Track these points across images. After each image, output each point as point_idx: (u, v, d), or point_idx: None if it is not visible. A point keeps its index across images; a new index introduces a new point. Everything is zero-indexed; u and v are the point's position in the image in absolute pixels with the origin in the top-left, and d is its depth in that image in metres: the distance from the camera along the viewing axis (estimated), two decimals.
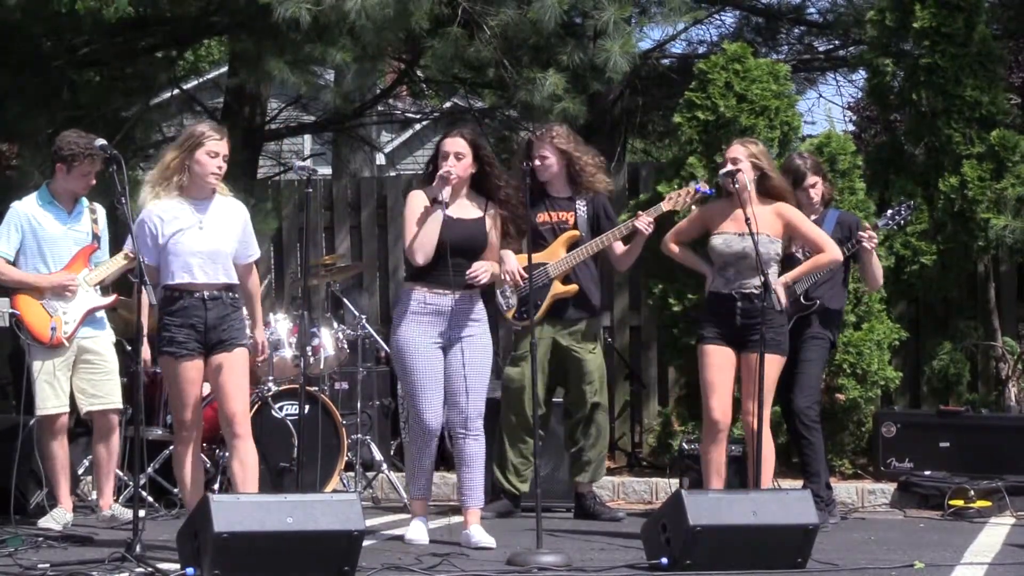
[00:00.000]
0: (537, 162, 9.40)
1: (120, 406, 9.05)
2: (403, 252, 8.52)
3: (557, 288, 9.46)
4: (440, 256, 8.14)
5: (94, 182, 8.97)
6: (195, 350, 7.81)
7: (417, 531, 8.31)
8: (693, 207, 9.53)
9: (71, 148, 8.80)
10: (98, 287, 8.97)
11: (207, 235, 7.83)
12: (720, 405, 8.47)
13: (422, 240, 8.12)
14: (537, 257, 9.15)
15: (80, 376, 8.89)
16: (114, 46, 12.62)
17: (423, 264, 8.14)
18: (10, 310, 9.27)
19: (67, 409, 8.91)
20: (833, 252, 8.76)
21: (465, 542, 8.15)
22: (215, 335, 7.82)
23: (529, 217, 9.02)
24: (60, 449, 8.95)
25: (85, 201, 8.99)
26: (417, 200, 8.23)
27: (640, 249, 9.53)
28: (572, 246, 9.48)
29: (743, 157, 8.58)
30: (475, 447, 8.31)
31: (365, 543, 7.20)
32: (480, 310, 8.32)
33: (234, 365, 7.86)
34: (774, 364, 8.50)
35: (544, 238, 9.46)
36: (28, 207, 8.92)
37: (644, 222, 9.33)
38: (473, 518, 8.29)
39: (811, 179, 9.27)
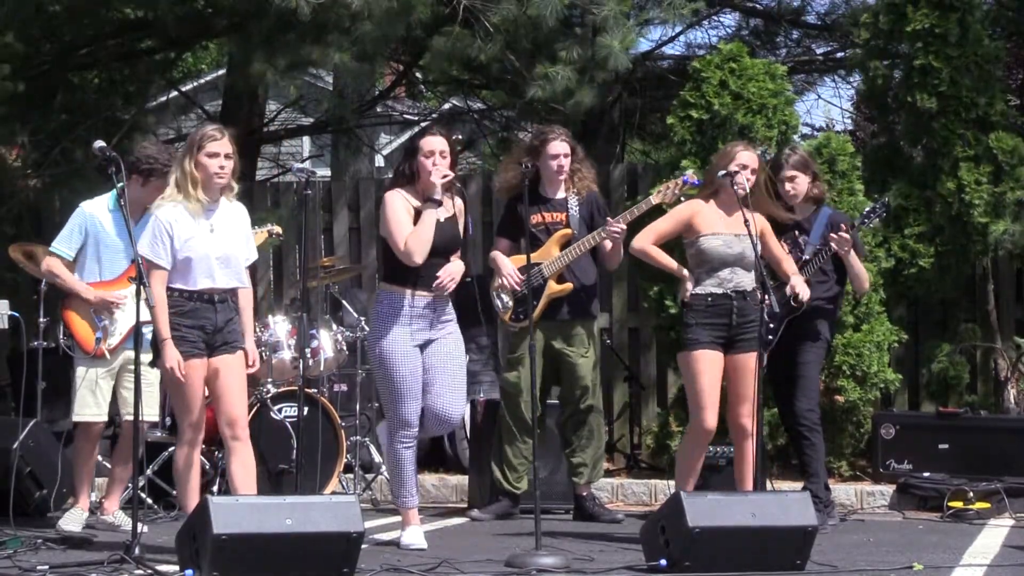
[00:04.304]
0: (563, 160, 9.41)
1: (155, 419, 9.11)
2: (379, 254, 8.48)
3: (552, 287, 9.44)
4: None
5: None
6: (202, 351, 7.84)
7: (415, 536, 8.27)
8: (682, 198, 9.46)
9: (150, 163, 8.72)
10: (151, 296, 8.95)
11: (219, 239, 7.85)
12: (715, 413, 8.45)
13: (421, 240, 8.13)
14: (531, 257, 9.10)
15: (123, 385, 8.87)
16: (111, 48, 12.62)
17: (419, 264, 8.15)
18: (8, 312, 9.27)
19: (105, 418, 8.91)
20: (790, 259, 8.85)
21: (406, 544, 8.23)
22: (220, 337, 7.86)
23: (527, 218, 9.06)
24: (92, 455, 9.00)
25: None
26: (398, 200, 8.24)
27: (622, 248, 9.50)
28: (565, 245, 9.47)
29: (755, 163, 8.60)
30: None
31: (364, 545, 7.20)
32: (451, 309, 8.38)
33: (237, 367, 7.90)
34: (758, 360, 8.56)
35: (538, 239, 9.44)
36: (97, 210, 8.84)
37: (616, 228, 9.23)
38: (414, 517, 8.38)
39: (788, 172, 9.21)
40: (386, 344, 8.21)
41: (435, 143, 8.22)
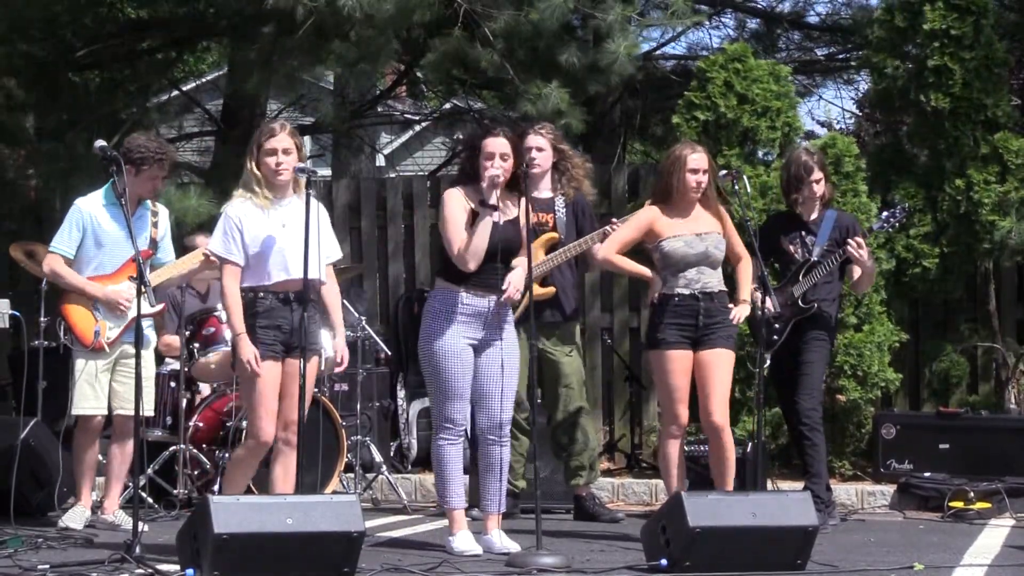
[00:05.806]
0: (534, 154, 9.24)
1: (150, 413, 9.09)
2: (445, 254, 8.08)
3: (536, 290, 9.33)
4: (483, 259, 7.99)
5: (162, 186, 8.94)
6: (279, 353, 7.73)
7: (466, 541, 8.06)
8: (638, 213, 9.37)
9: (141, 151, 8.72)
10: (150, 293, 8.95)
11: (291, 234, 7.71)
12: (685, 408, 8.49)
13: (476, 247, 7.90)
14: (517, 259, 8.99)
15: (117, 379, 8.86)
16: (113, 48, 12.64)
17: (473, 270, 7.96)
18: (9, 311, 9.26)
19: (104, 411, 8.89)
20: (749, 259, 8.69)
21: (487, 547, 8.02)
22: (298, 337, 7.71)
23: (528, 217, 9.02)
24: (92, 449, 8.98)
25: (148, 204, 8.92)
26: (456, 201, 8.02)
27: None
28: (551, 248, 9.40)
29: (705, 164, 8.58)
30: (504, 453, 8.16)
31: (364, 544, 7.20)
32: (511, 314, 8.22)
33: (308, 373, 7.73)
34: (732, 360, 8.54)
35: None
36: (92, 206, 8.83)
37: (617, 227, 9.16)
38: (495, 523, 8.15)
39: (816, 174, 9.23)
40: (435, 342, 8.02)
41: (496, 145, 7.95)
